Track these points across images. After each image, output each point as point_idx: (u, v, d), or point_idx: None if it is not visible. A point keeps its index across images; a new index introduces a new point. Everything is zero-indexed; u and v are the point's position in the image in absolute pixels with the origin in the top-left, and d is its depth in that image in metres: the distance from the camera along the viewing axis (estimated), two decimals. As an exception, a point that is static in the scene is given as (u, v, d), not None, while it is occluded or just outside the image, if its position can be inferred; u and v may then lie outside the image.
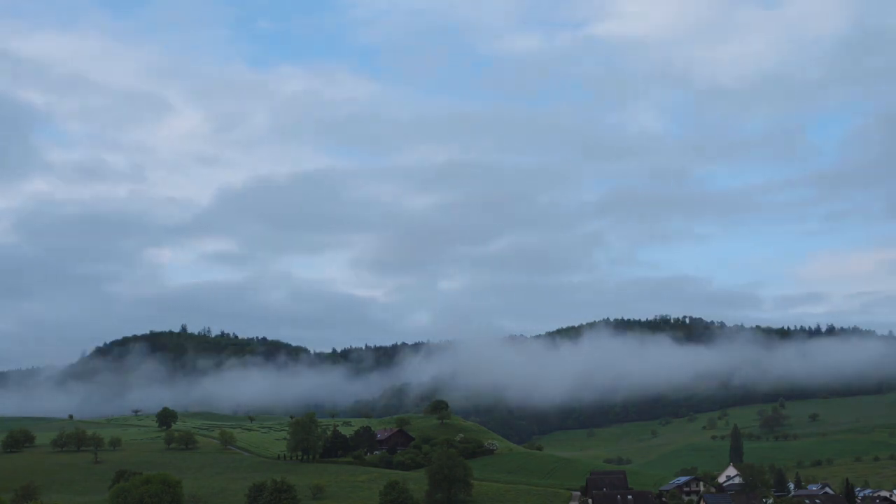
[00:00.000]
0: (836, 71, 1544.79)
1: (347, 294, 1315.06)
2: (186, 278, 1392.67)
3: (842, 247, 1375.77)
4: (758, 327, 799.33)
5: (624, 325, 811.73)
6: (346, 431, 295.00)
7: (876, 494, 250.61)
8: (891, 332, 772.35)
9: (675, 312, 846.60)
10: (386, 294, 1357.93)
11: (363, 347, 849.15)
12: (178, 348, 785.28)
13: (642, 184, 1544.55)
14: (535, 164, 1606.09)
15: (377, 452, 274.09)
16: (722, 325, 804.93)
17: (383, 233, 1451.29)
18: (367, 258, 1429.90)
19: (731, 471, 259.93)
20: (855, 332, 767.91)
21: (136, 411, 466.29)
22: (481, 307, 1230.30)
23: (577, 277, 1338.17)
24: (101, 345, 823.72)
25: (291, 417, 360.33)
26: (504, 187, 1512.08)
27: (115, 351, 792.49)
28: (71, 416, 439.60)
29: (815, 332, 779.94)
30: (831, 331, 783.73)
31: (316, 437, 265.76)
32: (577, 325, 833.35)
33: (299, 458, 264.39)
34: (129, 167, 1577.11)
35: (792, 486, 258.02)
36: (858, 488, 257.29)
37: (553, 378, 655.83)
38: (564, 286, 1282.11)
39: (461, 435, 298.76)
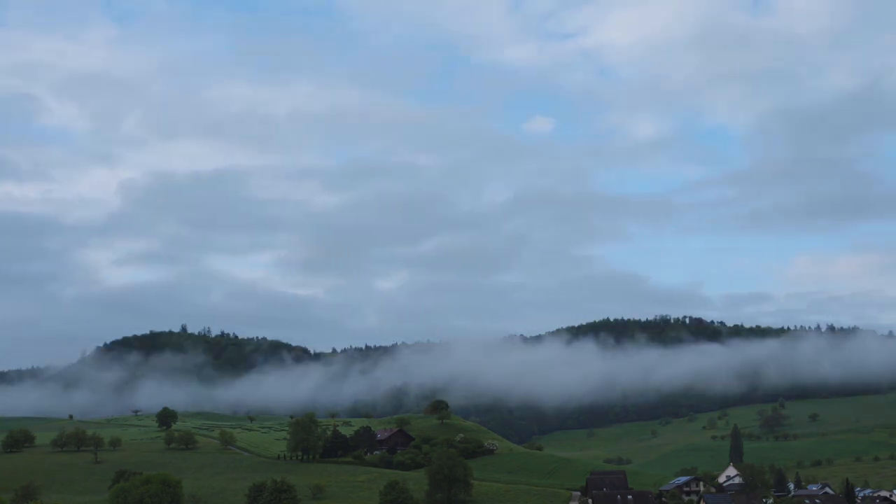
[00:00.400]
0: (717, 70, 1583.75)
1: (287, 293, 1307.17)
2: (124, 278, 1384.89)
3: (773, 245, 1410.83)
4: (758, 327, 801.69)
5: (624, 326, 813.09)
6: (346, 431, 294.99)
7: (876, 494, 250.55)
8: (891, 332, 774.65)
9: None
10: (325, 293, 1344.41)
11: (363, 347, 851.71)
12: (178, 348, 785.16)
13: (548, 184, 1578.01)
14: (444, 164, 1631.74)
15: (377, 452, 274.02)
16: (722, 324, 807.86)
17: (306, 233, 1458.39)
18: (296, 258, 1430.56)
19: (731, 471, 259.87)
20: (855, 331, 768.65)
21: (136, 411, 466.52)
22: (428, 307, 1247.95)
23: (512, 277, 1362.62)
24: (101, 345, 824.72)
25: (291, 417, 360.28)
26: (417, 187, 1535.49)
27: (116, 351, 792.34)
28: (71, 416, 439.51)
29: (814, 332, 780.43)
30: (832, 330, 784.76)
31: (316, 437, 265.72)
32: (576, 325, 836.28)
33: (299, 458, 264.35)
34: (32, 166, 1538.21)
35: (792, 486, 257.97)
36: (858, 488, 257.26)
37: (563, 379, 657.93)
38: (507, 285, 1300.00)
39: (461, 435, 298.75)
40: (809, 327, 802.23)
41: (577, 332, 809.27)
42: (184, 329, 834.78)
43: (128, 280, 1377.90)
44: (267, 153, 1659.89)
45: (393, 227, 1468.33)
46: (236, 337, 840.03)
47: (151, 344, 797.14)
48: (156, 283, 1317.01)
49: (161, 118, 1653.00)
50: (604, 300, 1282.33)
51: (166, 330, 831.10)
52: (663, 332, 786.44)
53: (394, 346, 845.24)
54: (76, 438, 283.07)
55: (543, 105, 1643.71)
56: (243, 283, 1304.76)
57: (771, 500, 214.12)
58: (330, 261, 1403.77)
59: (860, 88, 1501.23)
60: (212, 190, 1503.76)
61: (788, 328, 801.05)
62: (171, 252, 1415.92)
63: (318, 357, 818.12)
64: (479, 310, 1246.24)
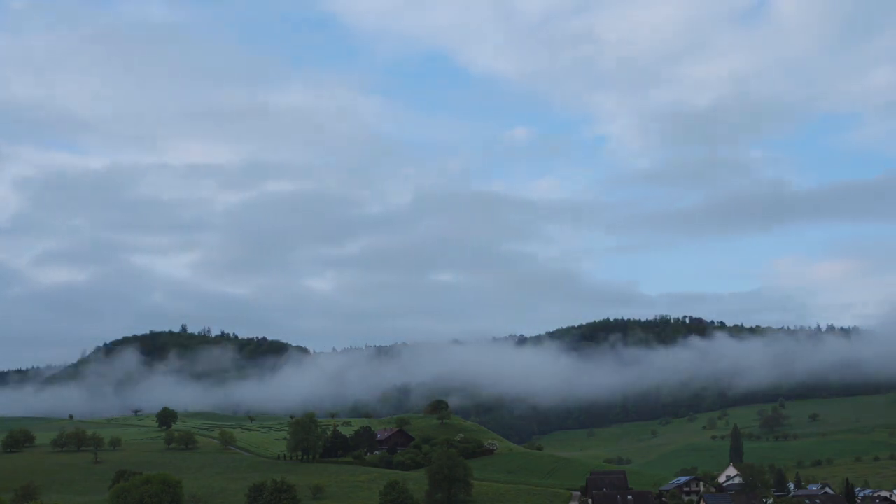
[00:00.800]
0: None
1: (221, 292, 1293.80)
2: (51, 278, 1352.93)
3: (704, 245, 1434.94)
4: (758, 326, 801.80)
5: (624, 326, 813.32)
6: (346, 431, 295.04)
7: (876, 494, 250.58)
8: (891, 331, 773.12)
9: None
10: (257, 293, 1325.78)
11: (363, 347, 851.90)
12: (178, 348, 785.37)
13: (448, 185, 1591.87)
14: (342, 165, 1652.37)
15: (377, 452, 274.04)
16: (722, 324, 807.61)
17: (225, 233, 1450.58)
18: (221, 259, 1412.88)
19: (731, 471, 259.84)
20: (855, 331, 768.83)
21: (136, 411, 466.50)
22: (376, 307, 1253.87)
23: (447, 276, 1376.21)
24: (101, 345, 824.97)
25: (291, 417, 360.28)
26: (316, 188, 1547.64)
27: (116, 351, 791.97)
28: (71, 416, 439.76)
29: (814, 332, 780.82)
30: (831, 330, 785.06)
31: (316, 437, 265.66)
32: (576, 325, 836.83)
33: (299, 458, 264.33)
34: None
35: (792, 486, 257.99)
36: (858, 488, 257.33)
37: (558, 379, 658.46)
38: (446, 285, 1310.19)
39: (461, 435, 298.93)
40: (810, 327, 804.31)
41: (577, 333, 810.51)
42: (184, 329, 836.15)
43: (50, 280, 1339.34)
44: (154, 152, 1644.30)
45: (310, 227, 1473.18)
46: (236, 337, 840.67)
47: (151, 344, 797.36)
48: (83, 283, 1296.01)
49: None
50: (551, 300, 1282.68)
51: (166, 330, 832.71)
52: (663, 331, 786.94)
53: (394, 345, 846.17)
54: (76, 438, 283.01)
55: (445, 106, 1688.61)
56: (174, 283, 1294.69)
57: (771, 500, 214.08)
58: (255, 261, 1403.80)
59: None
60: (112, 188, 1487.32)
61: (788, 328, 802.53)
62: (89, 252, 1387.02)
63: (318, 356, 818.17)
64: (427, 310, 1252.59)
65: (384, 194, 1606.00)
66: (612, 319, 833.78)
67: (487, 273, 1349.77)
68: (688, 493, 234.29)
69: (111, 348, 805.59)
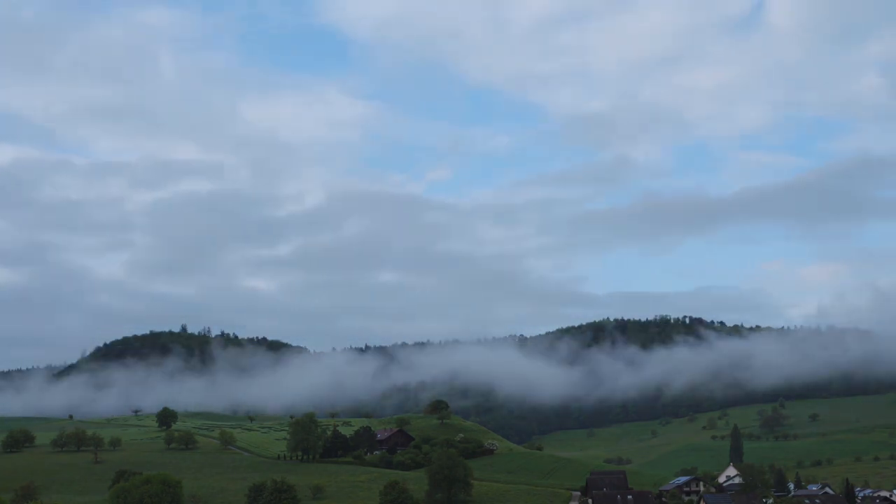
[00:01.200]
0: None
1: (162, 293, 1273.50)
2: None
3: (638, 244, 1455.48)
4: (758, 326, 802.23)
5: (623, 327, 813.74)
6: (346, 431, 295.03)
7: (876, 494, 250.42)
8: (891, 331, 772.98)
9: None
10: (203, 293, 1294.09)
11: (363, 347, 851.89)
12: (178, 348, 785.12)
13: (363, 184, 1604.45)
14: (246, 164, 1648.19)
15: (377, 452, 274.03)
16: (722, 324, 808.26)
17: (153, 233, 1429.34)
18: (152, 259, 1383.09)
19: (731, 471, 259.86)
20: (855, 331, 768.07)
21: (136, 411, 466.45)
22: (320, 307, 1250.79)
23: (387, 276, 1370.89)
24: (101, 345, 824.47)
25: (291, 417, 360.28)
26: (225, 187, 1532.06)
27: (116, 351, 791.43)
28: (71, 416, 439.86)
29: (814, 331, 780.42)
30: (831, 329, 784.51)
31: (316, 437, 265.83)
32: (577, 325, 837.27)
33: (299, 458, 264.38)
34: None
35: (792, 486, 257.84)
36: (858, 488, 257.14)
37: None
38: (388, 285, 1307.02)
39: (461, 435, 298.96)
40: (810, 327, 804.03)
41: (576, 333, 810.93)
42: (184, 329, 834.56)
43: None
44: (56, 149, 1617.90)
45: (232, 227, 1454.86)
46: (236, 337, 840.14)
47: (152, 344, 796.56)
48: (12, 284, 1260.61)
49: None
50: (501, 299, 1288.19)
51: (167, 330, 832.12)
52: (663, 331, 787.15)
53: (393, 345, 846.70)
54: (76, 438, 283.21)
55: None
56: (115, 284, 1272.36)
57: (771, 500, 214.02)
58: (190, 262, 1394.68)
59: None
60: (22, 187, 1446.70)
61: (789, 328, 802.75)
62: (21, 252, 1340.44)
63: (318, 356, 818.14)
64: (371, 310, 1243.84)
65: (301, 194, 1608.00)
66: (612, 319, 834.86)
67: (430, 274, 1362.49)
68: (688, 493, 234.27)
69: (111, 348, 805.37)
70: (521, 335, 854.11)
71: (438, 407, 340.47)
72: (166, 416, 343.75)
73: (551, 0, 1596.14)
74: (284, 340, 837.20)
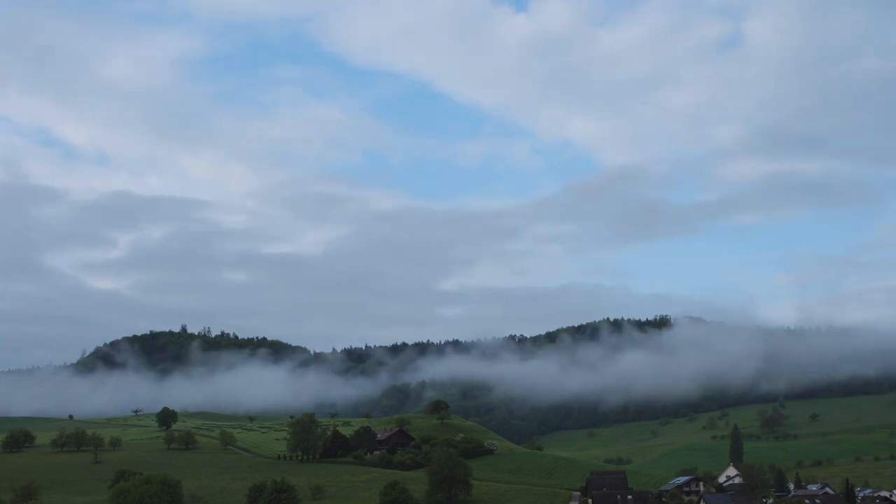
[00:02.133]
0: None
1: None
2: None
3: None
4: (758, 326, 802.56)
5: (622, 326, 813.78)
6: (346, 431, 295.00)
7: (876, 494, 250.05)
8: (892, 331, 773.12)
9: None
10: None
11: (363, 347, 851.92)
12: (178, 348, 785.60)
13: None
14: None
15: (377, 452, 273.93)
16: (723, 324, 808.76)
17: None
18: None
19: (731, 471, 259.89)
20: (855, 331, 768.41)
21: (136, 411, 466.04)
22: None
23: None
24: (101, 345, 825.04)
25: (291, 417, 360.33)
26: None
27: (116, 350, 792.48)
28: (71, 416, 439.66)
29: (814, 331, 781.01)
30: (832, 329, 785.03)
31: (316, 438, 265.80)
32: (577, 324, 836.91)
33: (299, 458, 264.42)
34: None
35: (792, 486, 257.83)
36: (858, 488, 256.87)
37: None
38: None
39: (461, 435, 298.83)
40: (810, 327, 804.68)
41: (576, 333, 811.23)
42: (184, 329, 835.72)
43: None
44: None
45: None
46: (236, 337, 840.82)
47: (151, 344, 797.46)
48: None
49: None
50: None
51: (166, 330, 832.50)
52: (662, 330, 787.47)
53: (394, 346, 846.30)
54: (76, 438, 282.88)
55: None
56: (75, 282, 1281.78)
57: (771, 500, 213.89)
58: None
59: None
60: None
61: (789, 328, 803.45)
62: None
63: (318, 357, 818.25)
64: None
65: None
66: (611, 319, 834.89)
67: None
68: (688, 493, 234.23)
69: (111, 348, 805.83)
70: (521, 335, 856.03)
71: (438, 407, 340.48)
72: (166, 416, 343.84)
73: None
74: (285, 340, 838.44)
